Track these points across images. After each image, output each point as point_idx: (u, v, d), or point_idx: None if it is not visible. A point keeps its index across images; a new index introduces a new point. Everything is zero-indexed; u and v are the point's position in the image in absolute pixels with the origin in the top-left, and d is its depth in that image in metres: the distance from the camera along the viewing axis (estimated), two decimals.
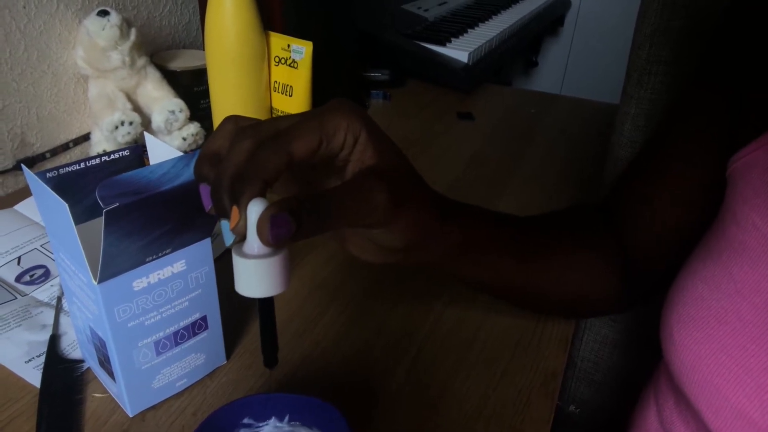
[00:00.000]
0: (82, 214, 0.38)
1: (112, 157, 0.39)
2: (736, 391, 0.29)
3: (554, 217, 0.49)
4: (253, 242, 0.27)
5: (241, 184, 0.26)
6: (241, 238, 0.27)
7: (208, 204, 0.29)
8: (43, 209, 0.36)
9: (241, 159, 0.27)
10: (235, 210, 0.26)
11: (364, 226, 0.31)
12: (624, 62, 0.61)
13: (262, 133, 0.28)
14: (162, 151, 0.40)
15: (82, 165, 0.37)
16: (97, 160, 0.38)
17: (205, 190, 0.29)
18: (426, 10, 1.33)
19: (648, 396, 0.42)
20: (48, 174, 0.35)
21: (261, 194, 0.26)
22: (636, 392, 0.46)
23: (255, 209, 0.26)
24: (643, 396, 0.43)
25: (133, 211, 0.31)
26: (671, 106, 0.45)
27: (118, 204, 0.29)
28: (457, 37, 1.18)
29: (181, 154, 0.35)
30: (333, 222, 0.27)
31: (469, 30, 1.26)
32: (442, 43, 1.12)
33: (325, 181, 0.34)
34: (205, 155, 0.30)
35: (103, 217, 0.29)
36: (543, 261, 0.44)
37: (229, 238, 0.28)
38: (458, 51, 1.09)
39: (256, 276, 0.27)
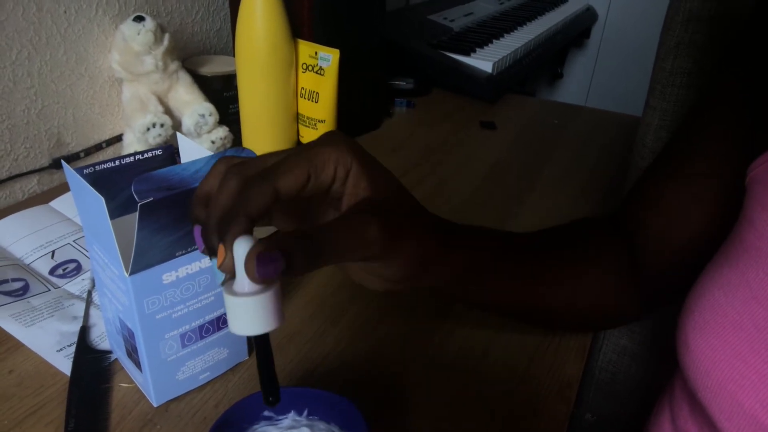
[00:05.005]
0: (116, 209, 0.39)
1: (146, 155, 0.40)
2: (750, 397, 0.29)
3: (559, 233, 0.48)
4: (243, 280, 0.26)
5: (227, 223, 0.26)
6: (231, 276, 0.27)
7: (201, 245, 0.29)
8: (80, 203, 0.38)
9: (227, 198, 0.27)
10: (221, 248, 0.26)
11: (360, 260, 0.31)
12: (650, 75, 0.61)
13: (249, 171, 0.28)
14: (193, 151, 0.41)
15: (117, 163, 0.39)
16: (131, 159, 0.40)
17: (198, 231, 0.29)
18: (452, 21, 1.34)
19: (663, 403, 0.42)
20: (85, 170, 0.37)
21: (247, 232, 0.26)
22: (654, 403, 0.46)
23: (242, 247, 0.26)
24: (658, 404, 0.43)
25: (166, 206, 0.32)
26: (691, 111, 0.45)
27: (152, 198, 0.31)
28: (482, 47, 1.19)
29: (213, 153, 0.37)
30: (325, 259, 0.27)
31: (494, 41, 1.26)
32: (467, 53, 1.13)
33: (321, 214, 0.34)
34: (198, 197, 0.30)
35: (137, 211, 0.31)
36: (550, 281, 0.44)
37: (219, 277, 0.28)
38: (482, 61, 1.10)
39: (248, 314, 0.26)
